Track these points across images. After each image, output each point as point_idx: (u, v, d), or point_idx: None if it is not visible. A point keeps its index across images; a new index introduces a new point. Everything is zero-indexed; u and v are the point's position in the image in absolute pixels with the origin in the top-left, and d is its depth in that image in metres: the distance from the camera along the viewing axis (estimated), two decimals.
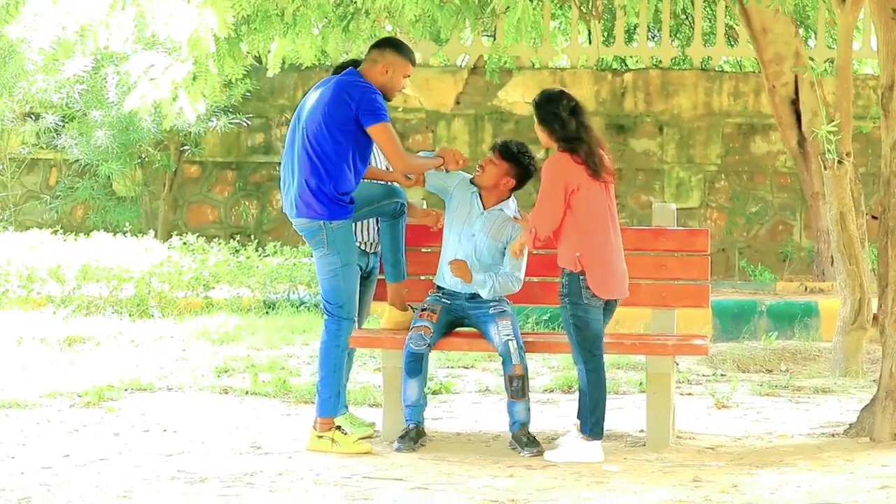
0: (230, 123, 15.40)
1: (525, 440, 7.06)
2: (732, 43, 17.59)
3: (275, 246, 14.42)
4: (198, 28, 7.37)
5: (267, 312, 11.98)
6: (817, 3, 14.07)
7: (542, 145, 7.06)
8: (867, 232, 9.81)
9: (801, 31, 15.77)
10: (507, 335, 7.08)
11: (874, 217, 8.11)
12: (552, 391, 9.00)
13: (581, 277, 6.84)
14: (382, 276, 7.49)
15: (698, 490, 6.16)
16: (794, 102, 13.34)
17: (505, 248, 7.25)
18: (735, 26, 17.15)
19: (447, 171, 7.27)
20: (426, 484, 6.26)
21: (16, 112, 15.65)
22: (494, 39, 16.29)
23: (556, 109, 6.91)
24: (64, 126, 15.60)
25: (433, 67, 16.22)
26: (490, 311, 7.18)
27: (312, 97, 7.10)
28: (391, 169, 7.33)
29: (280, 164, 7.32)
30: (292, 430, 7.59)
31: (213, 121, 15.19)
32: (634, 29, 17.15)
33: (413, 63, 7.23)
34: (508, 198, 7.32)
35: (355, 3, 9.91)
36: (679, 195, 15.95)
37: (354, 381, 8.74)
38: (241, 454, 6.94)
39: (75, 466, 6.58)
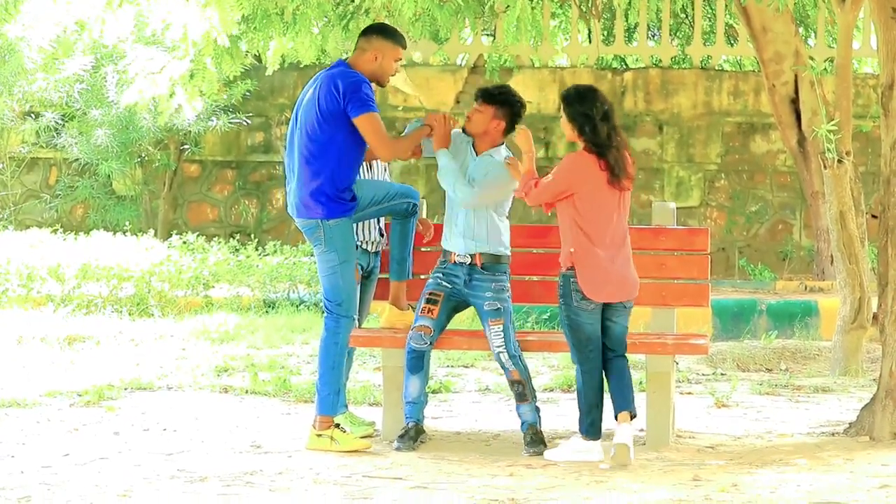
0: (230, 122, 15.38)
1: (528, 439, 7.07)
2: (732, 42, 17.58)
3: (275, 245, 14.41)
4: (209, 30, 7.38)
5: (267, 311, 11.97)
6: (817, 1, 14.07)
7: (567, 139, 7.02)
8: (867, 231, 9.80)
9: (801, 30, 15.76)
10: (499, 347, 7.09)
11: (874, 216, 8.11)
12: (552, 390, 8.99)
13: (573, 280, 6.82)
14: (383, 276, 7.49)
15: (698, 489, 6.16)
16: (794, 101, 13.33)
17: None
18: (735, 25, 17.13)
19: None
20: (426, 483, 6.25)
21: (16, 111, 15.63)
22: (494, 38, 16.27)
23: (588, 111, 6.80)
24: (64, 125, 15.58)
25: (433, 66, 16.22)
26: (485, 308, 7.16)
27: (308, 94, 7.10)
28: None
29: (281, 162, 7.33)
30: (292, 429, 7.58)
31: (212, 120, 15.17)
32: (634, 28, 17.15)
33: (404, 46, 7.18)
34: (501, 143, 7.29)
35: (354, 1, 9.93)
36: (679, 194, 15.94)
37: (354, 380, 8.74)
38: (240, 453, 6.94)
39: (75, 465, 6.58)
